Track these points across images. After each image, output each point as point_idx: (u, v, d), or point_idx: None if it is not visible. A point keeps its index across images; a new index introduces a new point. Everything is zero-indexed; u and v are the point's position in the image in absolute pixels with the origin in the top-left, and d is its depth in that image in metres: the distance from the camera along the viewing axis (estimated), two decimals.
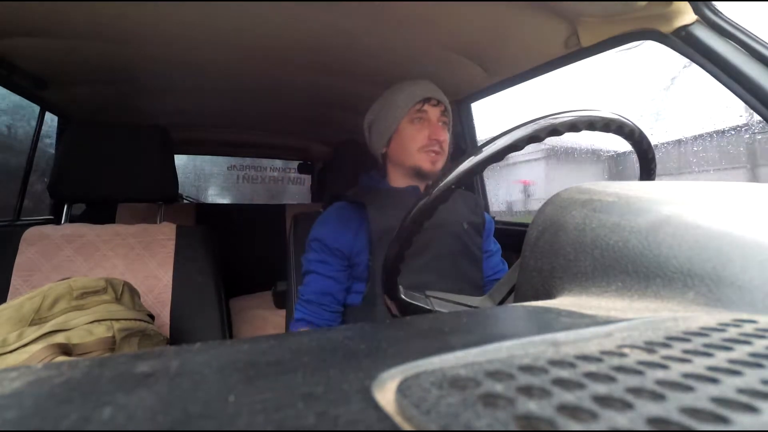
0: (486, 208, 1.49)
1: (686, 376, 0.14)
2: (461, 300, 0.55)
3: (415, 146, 0.87)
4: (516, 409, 0.12)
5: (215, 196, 3.29)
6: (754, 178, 1.46)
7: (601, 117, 0.44)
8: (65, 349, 0.63)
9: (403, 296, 0.52)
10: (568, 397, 0.12)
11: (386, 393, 0.13)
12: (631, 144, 0.50)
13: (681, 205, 0.28)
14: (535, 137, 0.42)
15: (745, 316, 0.20)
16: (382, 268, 0.52)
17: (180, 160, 2.86)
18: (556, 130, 0.42)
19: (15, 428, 0.11)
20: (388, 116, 0.91)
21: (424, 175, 0.89)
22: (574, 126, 0.43)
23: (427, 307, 0.52)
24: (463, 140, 1.45)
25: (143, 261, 1.03)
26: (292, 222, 1.12)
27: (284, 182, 3.40)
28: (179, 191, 1.97)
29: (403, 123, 0.89)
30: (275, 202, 2.61)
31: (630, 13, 0.77)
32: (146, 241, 1.05)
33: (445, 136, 0.89)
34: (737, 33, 0.66)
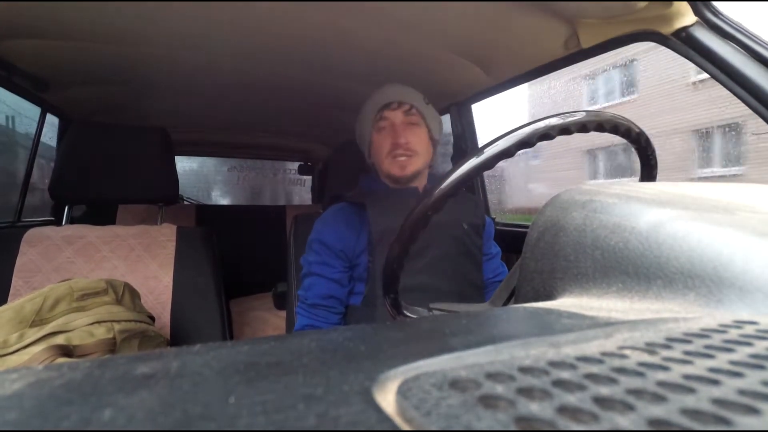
0: (486, 210, 1.48)
1: (687, 377, 0.14)
2: (464, 309, 0.55)
3: (383, 155, 0.88)
4: (516, 410, 0.12)
5: (217, 196, 3.31)
6: None
7: (610, 120, 0.47)
8: (66, 351, 0.63)
9: (406, 312, 0.52)
10: (569, 398, 0.12)
11: (387, 394, 0.13)
12: (635, 148, 0.51)
13: (681, 206, 0.28)
14: (546, 135, 0.44)
15: (745, 318, 0.20)
16: (383, 270, 0.52)
17: (182, 162, 2.88)
18: (567, 129, 0.45)
19: (16, 429, 0.11)
20: (362, 130, 0.93)
21: (397, 180, 0.89)
22: (584, 126, 0.45)
23: None
24: (464, 141, 1.45)
25: (144, 262, 1.02)
26: (292, 223, 1.12)
27: (284, 183, 3.42)
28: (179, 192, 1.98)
29: (373, 134, 0.90)
30: (275, 202, 2.62)
31: (630, 14, 0.77)
32: (147, 243, 1.05)
33: (411, 137, 0.87)
34: (737, 34, 0.66)
